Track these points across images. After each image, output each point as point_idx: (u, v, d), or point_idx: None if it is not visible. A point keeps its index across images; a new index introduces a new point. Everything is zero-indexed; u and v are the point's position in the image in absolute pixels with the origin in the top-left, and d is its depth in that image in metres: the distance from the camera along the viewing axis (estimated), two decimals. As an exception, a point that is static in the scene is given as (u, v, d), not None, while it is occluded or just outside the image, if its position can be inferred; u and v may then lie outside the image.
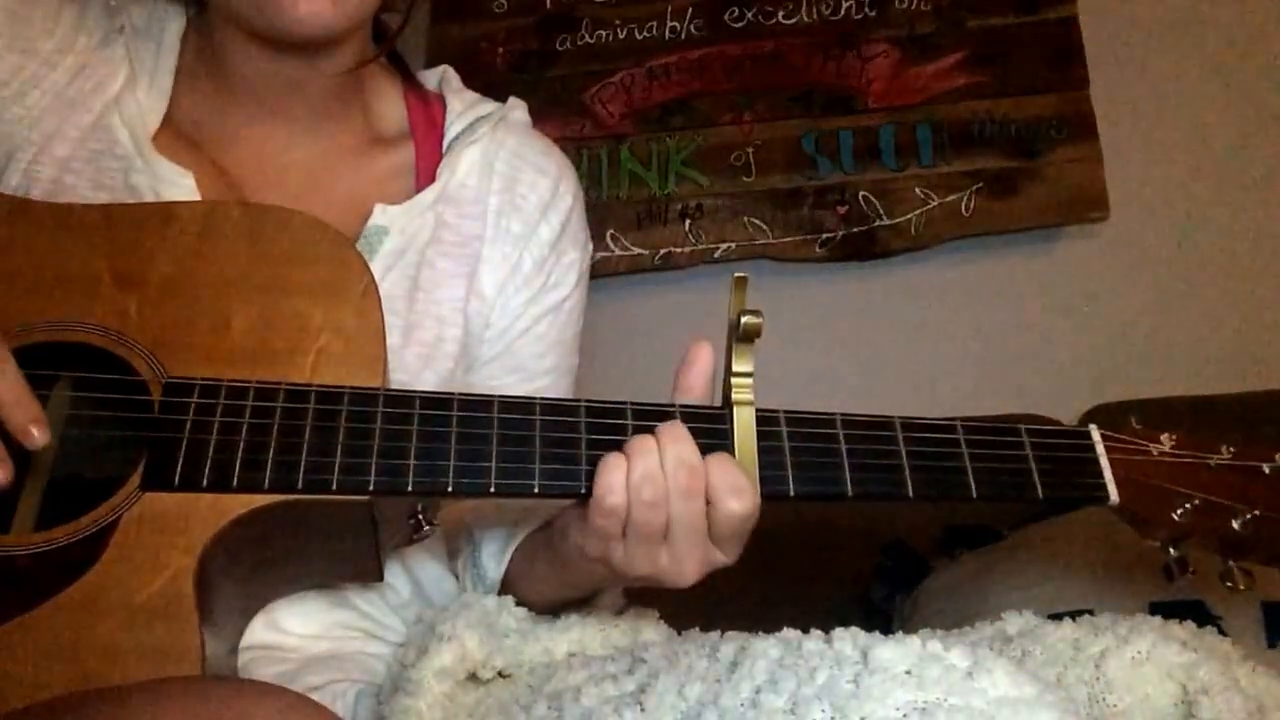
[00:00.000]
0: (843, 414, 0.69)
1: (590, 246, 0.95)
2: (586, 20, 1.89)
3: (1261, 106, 1.79)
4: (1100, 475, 0.71)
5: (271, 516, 0.64)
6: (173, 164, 0.78)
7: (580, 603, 0.79)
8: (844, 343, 1.82)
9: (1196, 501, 0.71)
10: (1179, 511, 0.71)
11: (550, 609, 0.78)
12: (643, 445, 0.65)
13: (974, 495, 0.69)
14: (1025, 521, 1.38)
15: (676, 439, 0.65)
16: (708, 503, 0.64)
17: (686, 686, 0.56)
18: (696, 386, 0.69)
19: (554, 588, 0.77)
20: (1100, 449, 0.72)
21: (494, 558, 0.82)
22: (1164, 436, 0.73)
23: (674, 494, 0.64)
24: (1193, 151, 1.79)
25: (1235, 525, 0.70)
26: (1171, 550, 0.72)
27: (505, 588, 0.81)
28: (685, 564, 0.66)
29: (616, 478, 0.64)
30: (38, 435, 0.61)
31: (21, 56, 0.78)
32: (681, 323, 1.80)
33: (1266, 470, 0.71)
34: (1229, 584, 0.71)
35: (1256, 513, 0.70)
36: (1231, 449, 0.72)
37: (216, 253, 0.70)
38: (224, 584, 0.65)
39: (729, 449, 0.67)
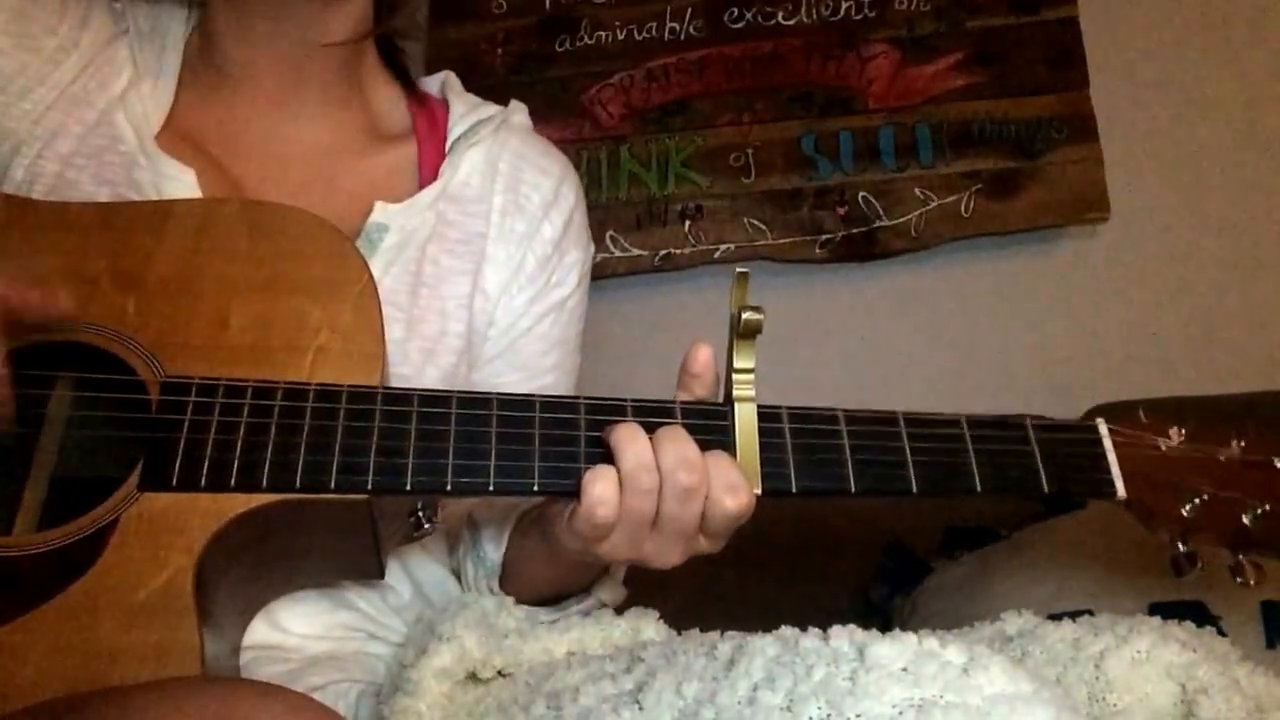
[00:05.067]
0: (845, 409, 0.69)
1: (592, 247, 0.95)
2: (586, 21, 1.89)
3: (1262, 107, 1.79)
4: (1108, 470, 0.71)
5: (270, 516, 0.64)
6: (174, 160, 0.78)
7: (580, 592, 0.79)
8: (844, 344, 1.82)
9: (1206, 496, 0.70)
10: (1188, 506, 0.70)
11: (550, 589, 0.78)
12: (632, 441, 0.64)
13: (978, 489, 0.68)
14: (1025, 522, 1.38)
15: (675, 438, 0.64)
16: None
17: (684, 685, 0.56)
18: (698, 389, 0.69)
19: (546, 564, 0.77)
20: (1107, 443, 0.71)
21: (493, 540, 0.82)
22: (1172, 430, 0.72)
23: (670, 495, 0.63)
24: (1193, 152, 1.79)
25: (1246, 520, 0.70)
26: (1180, 545, 0.72)
27: (505, 569, 0.82)
28: (669, 553, 0.66)
29: (607, 489, 0.63)
30: None
31: (27, 54, 0.79)
32: (681, 324, 1.80)
33: (1278, 464, 0.71)
34: (1239, 579, 0.70)
35: (1267, 507, 0.69)
36: (1242, 443, 0.71)
37: (214, 250, 0.70)
38: (223, 583, 0.65)
39: (730, 445, 0.67)
